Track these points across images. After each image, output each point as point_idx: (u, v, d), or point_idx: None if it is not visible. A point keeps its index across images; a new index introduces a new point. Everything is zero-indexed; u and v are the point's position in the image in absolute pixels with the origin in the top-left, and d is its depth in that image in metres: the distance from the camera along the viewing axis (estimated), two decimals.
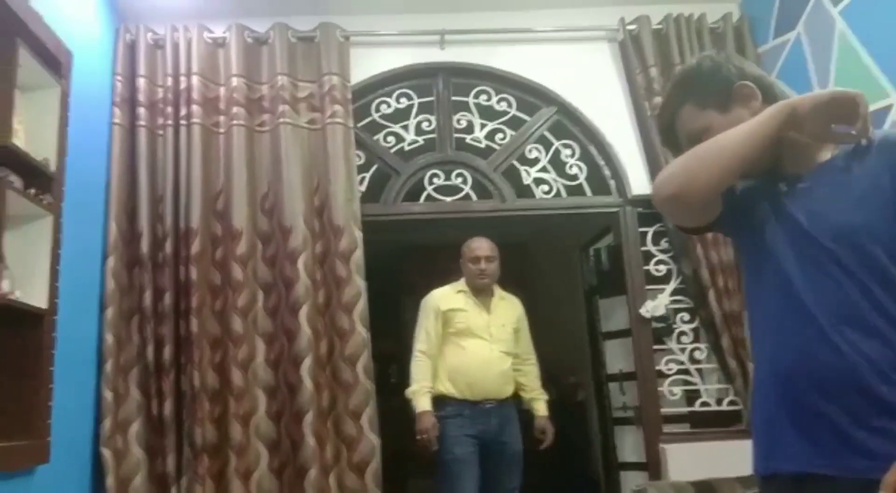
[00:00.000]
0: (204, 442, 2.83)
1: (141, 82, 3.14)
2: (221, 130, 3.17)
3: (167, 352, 2.88)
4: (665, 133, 1.39)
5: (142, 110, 3.11)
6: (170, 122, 3.12)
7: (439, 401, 2.97)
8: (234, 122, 3.15)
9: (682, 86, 1.34)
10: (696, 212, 1.28)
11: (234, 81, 3.19)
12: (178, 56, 3.19)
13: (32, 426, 2.19)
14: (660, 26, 3.45)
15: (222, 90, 3.20)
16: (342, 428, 2.95)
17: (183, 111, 3.12)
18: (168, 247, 2.98)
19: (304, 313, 2.95)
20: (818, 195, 1.19)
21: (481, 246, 3.10)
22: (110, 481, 2.73)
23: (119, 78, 3.13)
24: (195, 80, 3.15)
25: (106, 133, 3.07)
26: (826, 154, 1.23)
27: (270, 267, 3.07)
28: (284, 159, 3.13)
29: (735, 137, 1.19)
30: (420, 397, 2.93)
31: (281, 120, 3.17)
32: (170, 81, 3.16)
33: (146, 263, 2.97)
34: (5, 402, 2.16)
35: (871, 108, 2.62)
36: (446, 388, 2.97)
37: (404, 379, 3.08)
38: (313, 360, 2.93)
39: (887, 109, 2.61)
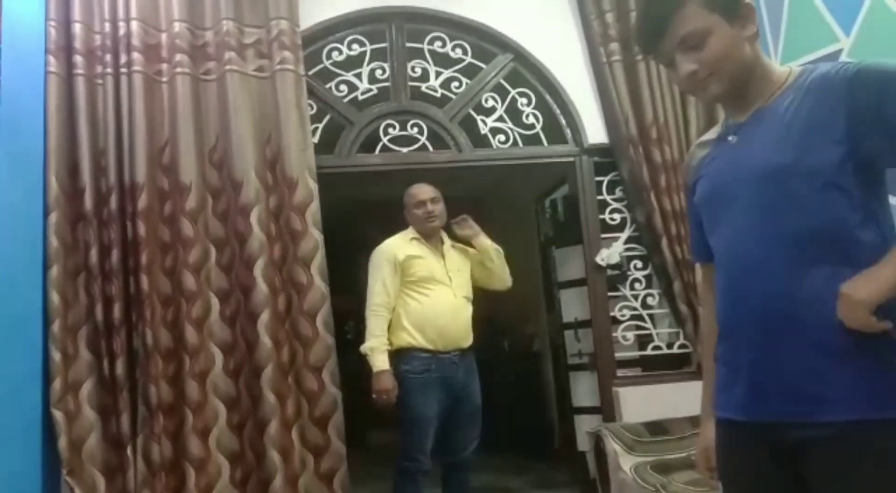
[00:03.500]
0: (159, 401, 2.78)
1: (76, 28, 2.95)
2: (164, 79, 3.02)
3: (117, 310, 2.80)
4: (653, 31, 1.23)
5: (79, 58, 2.93)
6: (109, 70, 2.96)
7: (404, 354, 2.84)
8: (178, 70, 3.01)
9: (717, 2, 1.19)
10: None
11: (177, 27, 3.04)
12: (113, 1, 3.00)
13: None
14: None
15: (164, 36, 3.05)
16: (303, 383, 2.93)
17: (123, 59, 2.96)
18: (113, 202, 2.86)
19: (259, 268, 2.90)
20: (755, 140, 1.20)
21: (423, 189, 3.02)
22: (62, 443, 2.67)
23: (52, 23, 2.93)
24: (134, 25, 2.98)
25: (41, 83, 2.89)
26: (766, 98, 1.22)
27: (222, 222, 2.99)
28: (232, 109, 3.01)
29: None
30: (378, 355, 2.79)
31: (227, 68, 3.04)
32: (107, 27, 2.99)
33: (91, 219, 2.85)
34: None
35: (822, 52, 2.69)
36: (414, 339, 2.83)
37: (360, 337, 3.00)
38: (271, 315, 2.89)
39: (837, 53, 2.64)
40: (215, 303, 2.92)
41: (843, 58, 2.60)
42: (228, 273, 2.95)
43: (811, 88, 1.16)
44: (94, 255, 2.82)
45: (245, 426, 2.88)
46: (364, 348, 2.84)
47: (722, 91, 1.22)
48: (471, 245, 3.11)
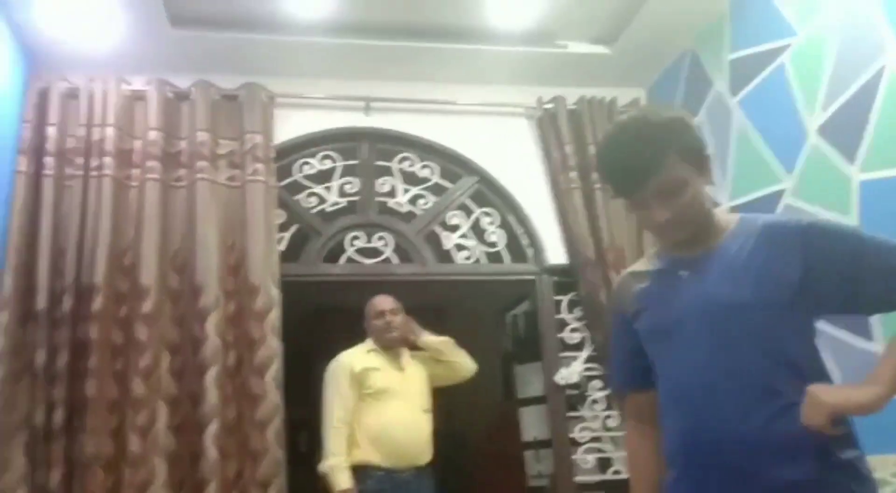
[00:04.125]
0: None
1: (50, 131, 3.02)
2: (134, 184, 3.07)
3: (58, 416, 2.68)
4: (633, 180, 1.24)
5: (49, 159, 2.98)
6: (79, 172, 3.00)
7: (360, 473, 2.74)
8: (149, 175, 3.07)
9: (673, 132, 1.25)
10: None
11: (152, 135, 3.12)
12: (92, 107, 3.10)
13: None
14: (574, 107, 3.64)
15: (138, 143, 3.12)
16: None
17: (94, 163, 3.01)
18: (67, 303, 2.81)
19: (211, 375, 2.82)
20: (710, 277, 1.26)
21: (383, 300, 3.04)
22: None
23: (27, 125, 3.01)
24: (110, 131, 3.06)
25: (9, 182, 2.92)
26: (715, 240, 1.30)
27: (179, 327, 2.94)
28: (200, 215, 3.05)
29: None
30: (340, 473, 2.69)
31: (199, 176, 3.11)
32: (82, 131, 3.06)
33: (41, 319, 2.78)
34: None
35: (765, 191, 2.86)
36: (368, 455, 2.75)
37: (315, 448, 2.90)
38: (220, 426, 2.78)
39: (780, 193, 2.82)
40: (163, 411, 2.81)
41: (787, 198, 2.77)
42: (179, 380, 2.87)
43: (763, 235, 1.25)
44: (41, 356, 2.73)
45: None
46: (323, 466, 2.74)
47: (687, 236, 1.28)
48: (417, 348, 3.10)
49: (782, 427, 1.15)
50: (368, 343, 3.01)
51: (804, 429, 1.12)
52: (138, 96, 3.21)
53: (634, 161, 1.23)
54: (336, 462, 2.72)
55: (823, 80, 2.61)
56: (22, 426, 2.67)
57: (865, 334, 2.33)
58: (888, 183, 2.34)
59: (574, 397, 3.43)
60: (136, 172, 3.08)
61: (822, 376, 1.22)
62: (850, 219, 2.44)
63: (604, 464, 3.41)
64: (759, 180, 2.91)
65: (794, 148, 2.74)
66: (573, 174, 3.53)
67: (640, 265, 1.44)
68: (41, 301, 2.79)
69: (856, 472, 1.17)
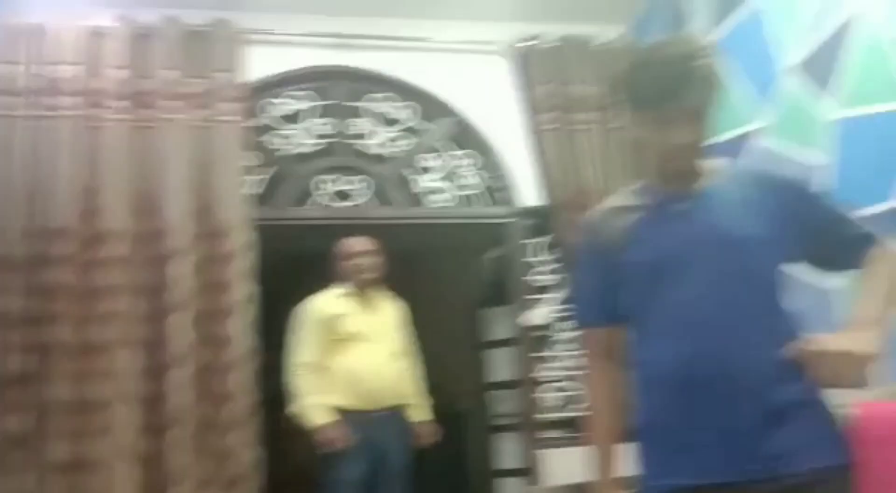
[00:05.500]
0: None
1: (11, 69, 2.92)
2: (98, 124, 2.99)
3: (23, 361, 2.68)
4: (669, 88, 1.22)
5: (10, 99, 2.89)
6: (37, 112, 2.91)
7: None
8: (115, 115, 2.99)
9: (706, 61, 1.27)
10: None
11: (116, 73, 3.03)
12: (56, 44, 2.98)
13: None
14: (553, 44, 3.55)
15: (102, 81, 3.02)
16: (223, 442, 2.82)
17: (54, 101, 2.92)
18: (31, 246, 2.78)
19: (183, 319, 2.83)
20: (712, 213, 1.29)
21: (356, 242, 3.03)
22: None
23: None
24: (71, 68, 2.96)
25: None
26: (705, 179, 1.33)
27: (149, 270, 2.92)
28: (168, 156, 3.00)
29: None
30: (316, 411, 2.74)
31: (166, 115, 3.04)
32: (45, 70, 2.95)
33: (4, 263, 2.75)
34: None
35: (740, 131, 2.86)
36: (339, 400, 2.79)
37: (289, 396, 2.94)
38: (192, 369, 2.81)
39: (756, 132, 2.82)
40: (129, 355, 2.80)
41: (763, 136, 2.77)
42: (147, 324, 2.86)
43: (756, 180, 1.33)
44: (3, 301, 2.71)
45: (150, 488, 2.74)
46: (295, 407, 2.78)
47: (694, 166, 1.31)
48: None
49: (779, 356, 1.21)
50: (340, 287, 3.02)
51: (796, 358, 1.19)
52: (103, 33, 3.09)
53: (669, 76, 1.22)
54: (310, 401, 2.76)
55: (800, 19, 2.58)
56: None
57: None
58: (863, 121, 2.36)
59: (540, 339, 3.51)
60: (101, 112, 2.99)
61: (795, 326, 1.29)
62: (825, 156, 2.47)
63: (566, 403, 3.53)
64: (734, 120, 2.91)
65: (769, 88, 2.73)
66: (549, 115, 3.48)
67: (623, 200, 1.41)
68: (2, 245, 2.76)
69: (825, 397, 1.26)
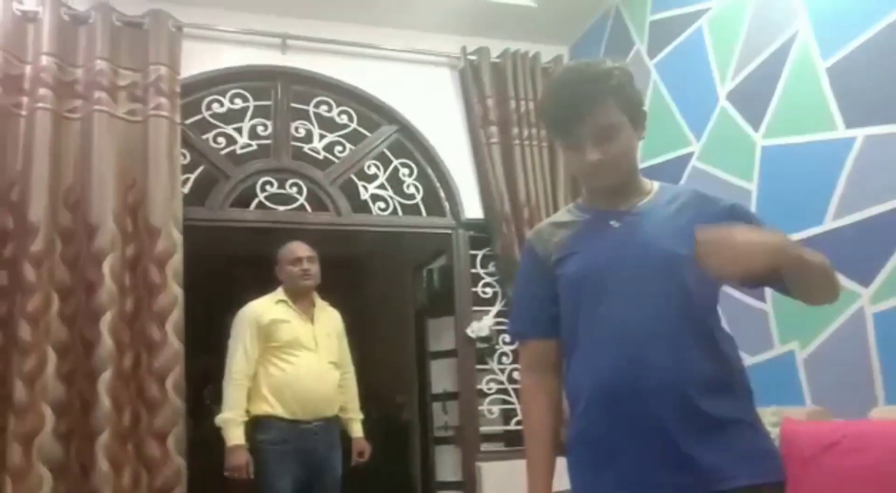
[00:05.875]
0: None
1: None
2: (23, 113, 2.82)
3: None
4: (571, 116, 1.29)
5: None
6: None
7: (262, 423, 2.70)
8: (39, 104, 2.82)
9: (613, 78, 1.30)
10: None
11: (44, 60, 2.87)
12: None
13: None
14: (498, 59, 3.59)
15: (28, 68, 2.87)
16: (144, 450, 2.69)
17: None
18: None
19: (106, 321, 2.68)
20: (645, 230, 1.30)
21: (301, 246, 2.94)
22: None
23: None
24: None
25: None
26: (640, 197, 1.35)
27: (71, 269, 2.76)
28: (96, 150, 2.85)
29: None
30: (233, 428, 2.63)
31: (96, 107, 2.89)
32: None
33: None
34: None
35: (674, 154, 2.93)
36: (272, 407, 2.69)
37: (220, 403, 2.81)
38: (114, 374, 2.66)
39: (689, 155, 2.89)
40: (52, 357, 2.64)
41: (694, 161, 2.85)
42: (70, 325, 2.71)
43: (693, 201, 1.33)
44: None
45: None
46: (219, 419, 2.68)
47: (615, 182, 1.32)
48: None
49: (711, 369, 1.21)
50: (278, 293, 2.91)
51: (726, 368, 1.21)
52: (30, 18, 2.93)
53: (573, 100, 1.29)
54: (231, 416, 2.65)
55: (736, 47, 2.67)
56: None
57: (759, 295, 2.46)
58: (788, 149, 2.43)
59: (483, 351, 3.48)
60: (25, 99, 2.83)
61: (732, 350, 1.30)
62: (751, 183, 2.53)
63: (508, 415, 3.50)
64: (669, 144, 2.97)
65: (704, 113, 2.80)
66: (493, 129, 3.50)
67: (561, 216, 1.46)
68: None
69: (757, 415, 1.27)
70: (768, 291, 2.36)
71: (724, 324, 1.32)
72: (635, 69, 3.13)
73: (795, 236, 2.39)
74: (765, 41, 2.54)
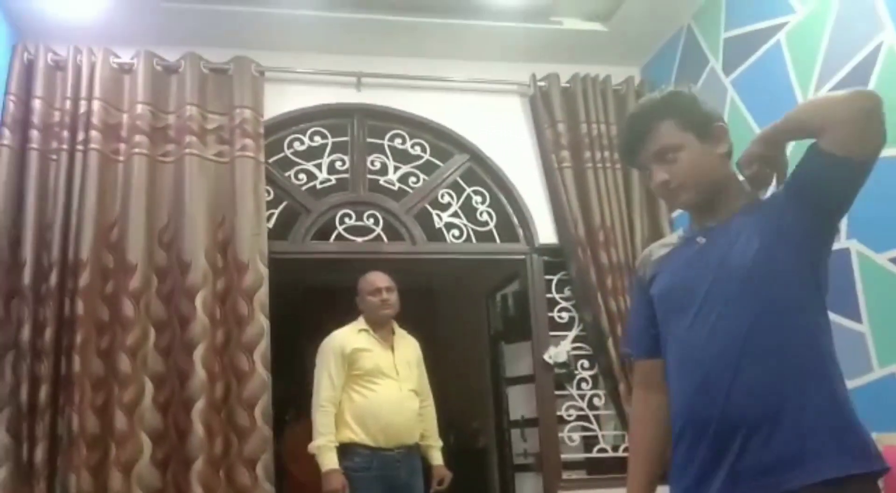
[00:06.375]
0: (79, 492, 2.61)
1: (36, 104, 2.97)
2: (121, 158, 3.03)
3: (43, 392, 2.66)
4: (632, 144, 1.38)
5: (34, 133, 2.94)
6: (65, 146, 2.96)
7: (347, 450, 2.75)
8: (136, 150, 3.03)
9: (668, 103, 1.36)
10: None
11: (139, 109, 3.08)
12: (79, 79, 3.05)
13: None
14: (568, 84, 3.60)
15: (125, 117, 3.08)
16: (235, 477, 2.79)
17: (80, 136, 2.97)
18: (53, 278, 2.79)
19: (199, 353, 2.81)
20: (725, 242, 1.29)
21: (380, 277, 3.01)
22: None
23: (12, 98, 2.95)
24: (96, 104, 3.01)
25: None
26: (732, 211, 1.33)
27: (166, 303, 2.92)
28: (188, 191, 3.02)
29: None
30: (327, 453, 2.70)
31: (187, 151, 3.07)
32: (68, 105, 3.01)
33: (27, 294, 2.76)
34: None
35: None
36: (356, 435, 2.75)
37: (300, 419, 2.91)
38: (206, 403, 2.78)
39: None
40: (149, 388, 2.80)
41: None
42: (166, 357, 2.86)
43: (764, 207, 1.31)
44: (26, 332, 2.71)
45: None
46: (312, 446, 2.75)
47: (690, 200, 1.34)
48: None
49: (791, 386, 1.17)
50: (360, 322, 2.99)
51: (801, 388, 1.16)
52: (126, 69, 3.16)
53: (632, 127, 1.38)
54: (323, 442, 2.72)
55: (818, 60, 2.59)
56: (6, 402, 2.66)
57: (855, 316, 2.36)
58: (878, 164, 2.33)
59: (561, 376, 3.45)
60: (122, 146, 3.04)
61: (821, 347, 1.22)
62: None
63: (589, 443, 3.44)
64: None
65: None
66: (565, 153, 3.50)
67: (670, 236, 1.51)
68: (27, 276, 2.77)
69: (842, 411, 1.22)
70: (864, 312, 2.30)
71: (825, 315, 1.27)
72: (710, 87, 3.17)
73: (884, 256, 2.31)
74: (848, 53, 2.46)
